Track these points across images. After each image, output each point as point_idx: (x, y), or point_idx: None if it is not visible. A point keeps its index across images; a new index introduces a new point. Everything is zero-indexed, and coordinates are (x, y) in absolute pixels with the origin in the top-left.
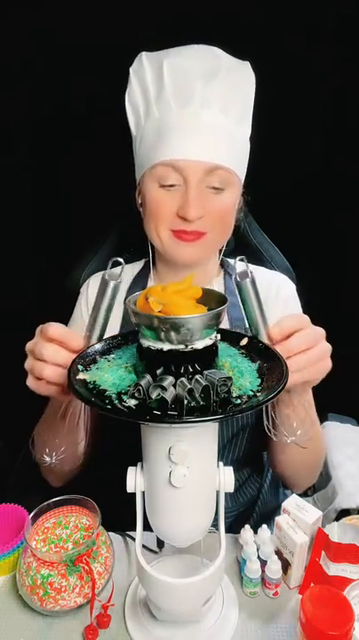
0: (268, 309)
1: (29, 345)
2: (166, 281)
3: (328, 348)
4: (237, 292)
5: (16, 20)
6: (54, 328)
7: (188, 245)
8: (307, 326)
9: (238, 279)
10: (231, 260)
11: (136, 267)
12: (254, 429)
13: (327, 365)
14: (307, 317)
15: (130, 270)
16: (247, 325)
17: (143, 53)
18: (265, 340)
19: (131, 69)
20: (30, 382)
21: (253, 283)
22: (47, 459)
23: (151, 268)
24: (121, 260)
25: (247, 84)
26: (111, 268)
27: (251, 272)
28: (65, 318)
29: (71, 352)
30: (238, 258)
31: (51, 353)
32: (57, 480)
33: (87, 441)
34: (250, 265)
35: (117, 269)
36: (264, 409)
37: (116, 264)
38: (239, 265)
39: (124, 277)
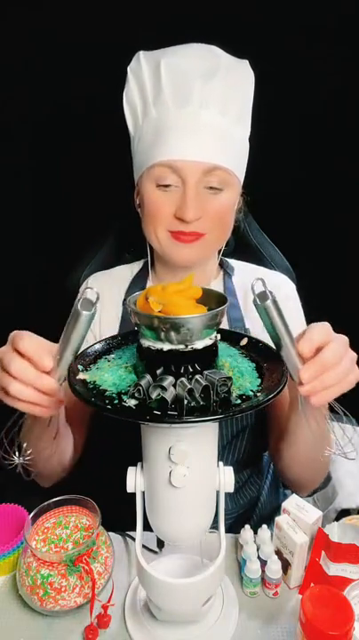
0: None
1: None
2: (165, 282)
3: (354, 356)
4: (259, 316)
5: (16, 20)
6: (25, 342)
7: (187, 247)
8: (334, 336)
9: (258, 302)
10: (230, 260)
11: (135, 267)
12: (254, 430)
13: (358, 374)
14: (328, 324)
15: (129, 270)
16: (273, 346)
17: (141, 52)
18: (294, 358)
19: (128, 68)
20: None
21: (275, 302)
22: (15, 459)
23: (149, 268)
24: (95, 290)
25: (246, 82)
26: (85, 296)
27: (270, 292)
28: (65, 318)
29: (39, 372)
30: (256, 278)
31: (18, 369)
32: (43, 481)
33: (73, 447)
34: (250, 264)
35: (93, 297)
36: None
37: (92, 294)
38: (257, 286)
39: (124, 277)
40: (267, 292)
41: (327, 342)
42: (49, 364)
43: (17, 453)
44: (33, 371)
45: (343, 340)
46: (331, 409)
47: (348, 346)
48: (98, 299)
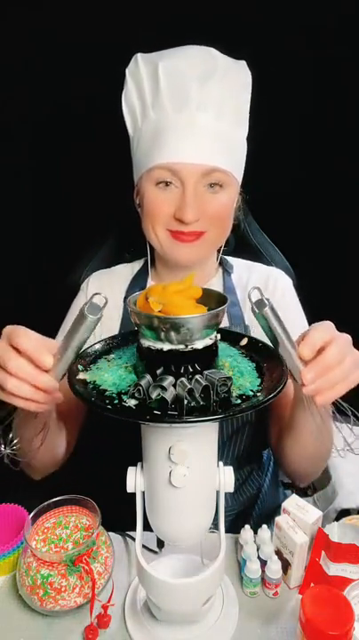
0: None
1: None
2: (165, 280)
3: (358, 355)
4: (259, 323)
5: (16, 20)
6: (25, 341)
7: (187, 246)
8: (335, 336)
9: (256, 310)
10: (228, 258)
11: (136, 266)
12: (254, 427)
13: None
14: (330, 323)
15: (130, 269)
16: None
17: (139, 55)
18: (295, 360)
19: (127, 71)
20: None
21: (273, 309)
22: (2, 449)
23: (149, 267)
24: (103, 296)
25: (243, 84)
26: (92, 301)
27: (267, 299)
28: (64, 318)
29: (38, 369)
30: (252, 288)
31: (15, 366)
32: (33, 473)
33: (66, 443)
34: (246, 261)
35: (100, 303)
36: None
37: (99, 300)
38: (254, 294)
39: (125, 276)
40: (264, 299)
41: (329, 342)
42: (49, 363)
43: (3, 445)
44: (31, 368)
45: (346, 339)
46: (339, 409)
47: (351, 345)
48: (105, 304)
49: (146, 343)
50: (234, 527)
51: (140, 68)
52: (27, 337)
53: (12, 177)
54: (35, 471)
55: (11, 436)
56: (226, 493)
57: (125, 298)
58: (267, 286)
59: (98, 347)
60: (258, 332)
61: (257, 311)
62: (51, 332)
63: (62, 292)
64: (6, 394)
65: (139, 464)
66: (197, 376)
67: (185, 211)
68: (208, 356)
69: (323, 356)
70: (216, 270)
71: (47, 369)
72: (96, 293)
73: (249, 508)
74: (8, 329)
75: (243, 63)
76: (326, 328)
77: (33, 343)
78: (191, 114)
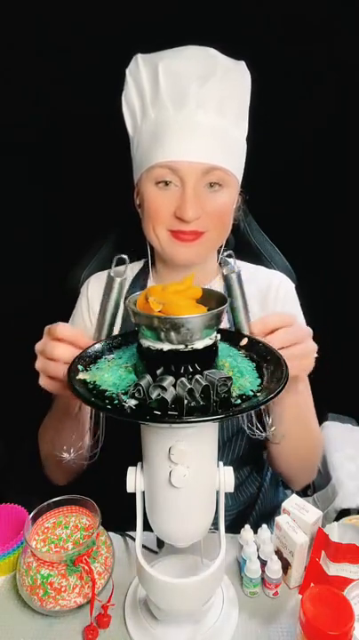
0: (268, 308)
1: (39, 346)
2: (166, 281)
3: (313, 347)
4: (225, 287)
5: (16, 19)
6: (62, 328)
7: (186, 246)
8: (292, 324)
9: (225, 273)
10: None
11: (135, 267)
12: None
13: (309, 364)
14: (293, 316)
15: (129, 270)
16: (231, 320)
17: (139, 55)
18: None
19: (127, 71)
20: (43, 382)
21: (239, 277)
22: (65, 455)
23: (150, 268)
24: (125, 256)
25: (243, 84)
26: (115, 265)
27: (237, 267)
28: (65, 319)
29: (80, 350)
30: (226, 253)
31: (61, 352)
32: (63, 477)
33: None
34: (249, 264)
35: (122, 267)
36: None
37: (121, 261)
38: (231, 261)
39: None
40: (235, 265)
41: (282, 327)
42: (88, 341)
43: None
44: (75, 350)
45: (303, 329)
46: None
47: (310, 337)
48: (127, 266)
49: (146, 343)
50: (234, 527)
51: (141, 68)
52: (63, 326)
53: (13, 178)
54: (69, 474)
55: (74, 437)
56: (226, 493)
57: (125, 298)
58: (270, 290)
59: (98, 347)
60: None
61: (225, 274)
62: None
63: (62, 292)
64: (57, 383)
65: (139, 464)
66: (197, 376)
67: (185, 209)
68: (208, 356)
69: (271, 336)
70: (218, 270)
71: (86, 347)
72: (119, 257)
73: (249, 508)
74: (47, 327)
75: (243, 63)
76: (284, 316)
77: (69, 329)
78: (191, 112)
